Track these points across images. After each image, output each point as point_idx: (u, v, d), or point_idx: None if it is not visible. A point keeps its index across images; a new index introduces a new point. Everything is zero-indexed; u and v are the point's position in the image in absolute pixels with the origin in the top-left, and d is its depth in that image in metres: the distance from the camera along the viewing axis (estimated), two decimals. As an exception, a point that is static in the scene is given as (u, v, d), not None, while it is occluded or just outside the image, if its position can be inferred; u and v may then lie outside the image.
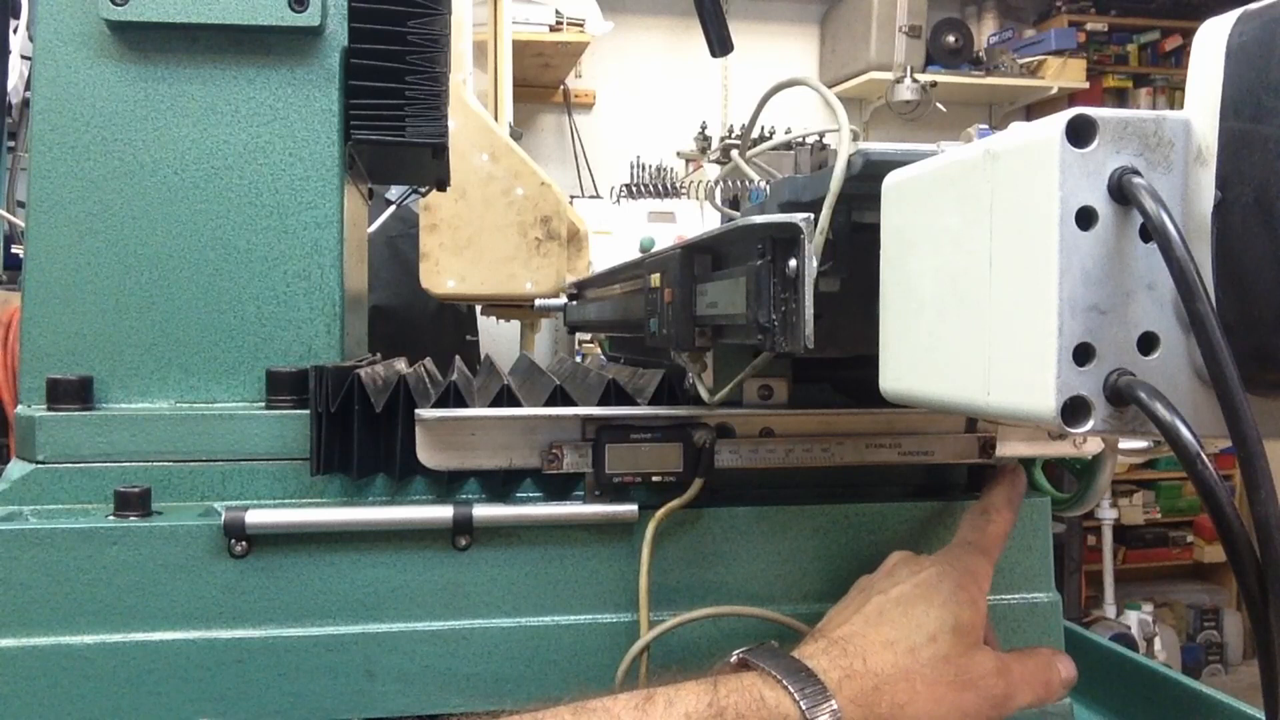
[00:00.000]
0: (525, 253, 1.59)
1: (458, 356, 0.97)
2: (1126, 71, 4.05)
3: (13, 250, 1.98)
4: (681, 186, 2.78)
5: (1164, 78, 4.05)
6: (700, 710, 0.49)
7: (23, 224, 0.90)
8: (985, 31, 4.04)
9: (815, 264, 0.50)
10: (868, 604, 0.56)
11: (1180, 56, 4.03)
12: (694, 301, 0.63)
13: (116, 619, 0.61)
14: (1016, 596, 0.69)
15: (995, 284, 0.40)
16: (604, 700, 0.50)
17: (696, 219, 2.61)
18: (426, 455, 0.64)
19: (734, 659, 0.54)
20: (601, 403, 0.67)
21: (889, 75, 3.57)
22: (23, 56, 1.68)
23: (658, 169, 2.98)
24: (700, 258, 0.63)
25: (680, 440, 0.64)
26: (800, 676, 0.51)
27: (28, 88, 1.31)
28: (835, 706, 0.50)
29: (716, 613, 0.65)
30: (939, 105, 3.52)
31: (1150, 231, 0.36)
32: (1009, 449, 0.69)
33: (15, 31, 1.59)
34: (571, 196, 2.85)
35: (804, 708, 0.49)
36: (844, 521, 0.68)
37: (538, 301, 1.42)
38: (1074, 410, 0.36)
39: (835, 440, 0.67)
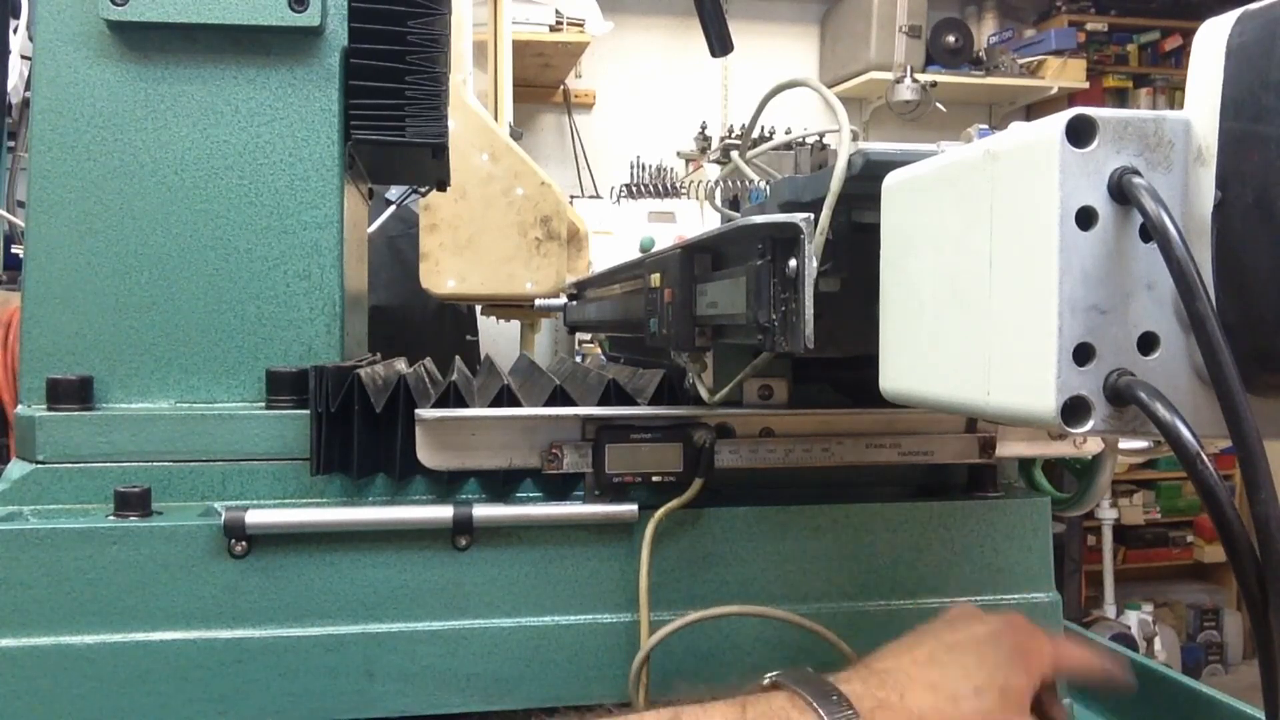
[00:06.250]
0: (525, 253, 1.59)
1: (458, 356, 0.97)
2: (1126, 71, 4.05)
3: (13, 250, 1.97)
4: (681, 186, 2.78)
5: (1164, 78, 4.04)
6: None
7: (23, 224, 0.90)
8: (985, 31, 4.04)
9: (815, 264, 0.50)
10: (919, 646, 0.53)
11: (1180, 56, 4.02)
12: (694, 301, 0.63)
13: (116, 619, 0.61)
14: (1016, 596, 0.69)
15: (995, 284, 0.40)
16: (630, 718, 0.49)
17: (696, 219, 2.61)
18: (426, 455, 0.64)
19: (766, 681, 0.52)
20: (601, 403, 0.67)
21: (889, 75, 3.57)
22: (23, 56, 1.68)
23: (658, 169, 2.97)
24: (700, 258, 0.64)
25: (680, 440, 0.64)
26: (831, 701, 0.48)
27: (28, 88, 1.31)
28: None
29: (729, 612, 0.65)
30: (939, 105, 3.51)
31: (1150, 231, 0.36)
32: (1009, 449, 0.69)
33: (15, 31, 1.59)
34: (571, 196, 2.85)
35: None
36: (844, 521, 0.68)
37: (538, 301, 1.42)
38: (1074, 410, 0.36)
39: (835, 440, 0.67)
